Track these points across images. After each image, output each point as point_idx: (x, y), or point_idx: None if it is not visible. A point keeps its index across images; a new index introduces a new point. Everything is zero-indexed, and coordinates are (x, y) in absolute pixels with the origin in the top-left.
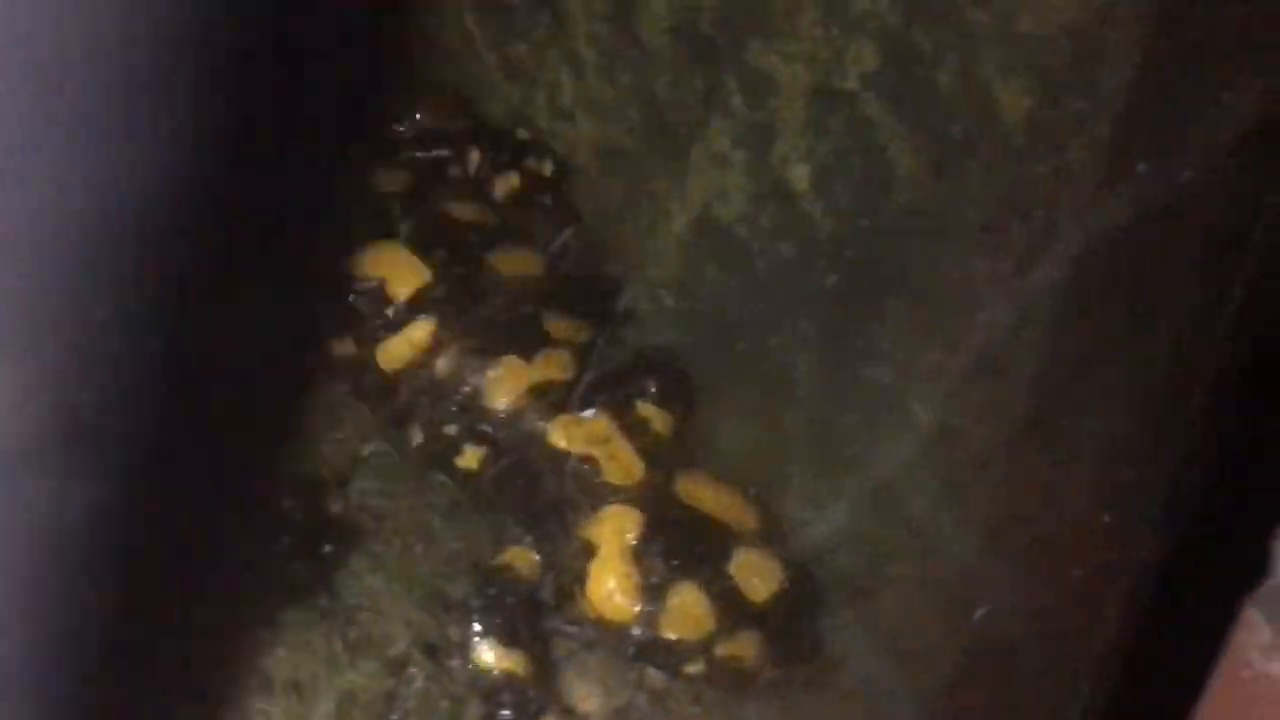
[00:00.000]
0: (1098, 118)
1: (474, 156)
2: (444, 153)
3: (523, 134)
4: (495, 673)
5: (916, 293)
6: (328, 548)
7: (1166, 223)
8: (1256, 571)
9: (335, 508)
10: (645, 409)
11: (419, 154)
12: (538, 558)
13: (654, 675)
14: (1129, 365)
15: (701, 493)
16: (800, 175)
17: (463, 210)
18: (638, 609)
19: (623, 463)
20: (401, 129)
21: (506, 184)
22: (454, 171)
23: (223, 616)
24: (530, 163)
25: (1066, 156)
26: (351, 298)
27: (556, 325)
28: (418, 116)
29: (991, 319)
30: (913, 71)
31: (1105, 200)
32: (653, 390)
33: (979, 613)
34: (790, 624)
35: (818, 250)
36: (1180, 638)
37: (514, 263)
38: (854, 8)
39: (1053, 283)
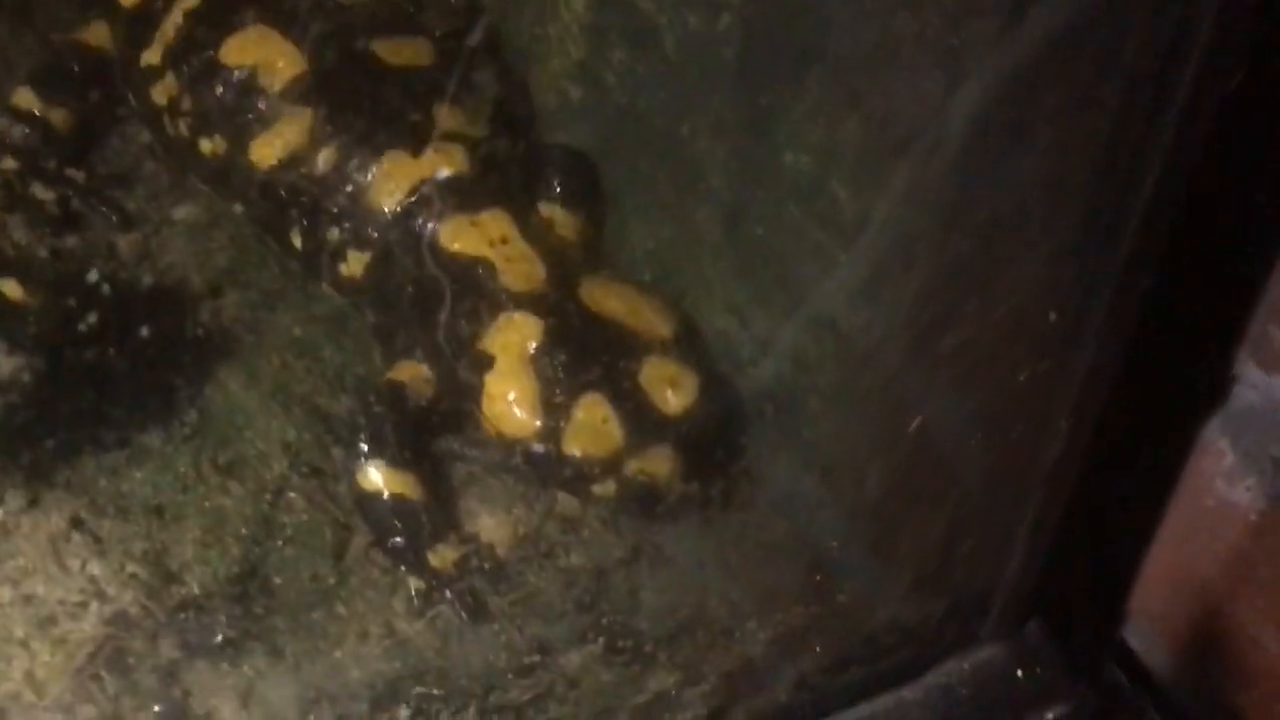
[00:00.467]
0: None
1: None
2: None
3: None
4: (385, 496)
5: (837, 62)
6: (187, 359)
7: None
8: (1219, 390)
9: (203, 319)
10: (548, 209)
11: None
12: (430, 373)
13: (564, 501)
14: (1073, 145)
15: (609, 298)
16: None
17: None
18: (539, 424)
19: (521, 266)
20: None
21: None
22: None
23: (72, 434)
24: None
25: None
26: (219, 89)
27: (448, 118)
28: None
29: (919, 87)
30: None
31: None
32: (557, 188)
33: (913, 423)
34: (707, 438)
35: (730, 20)
36: (1134, 460)
37: (401, 50)
38: None
39: (987, 40)
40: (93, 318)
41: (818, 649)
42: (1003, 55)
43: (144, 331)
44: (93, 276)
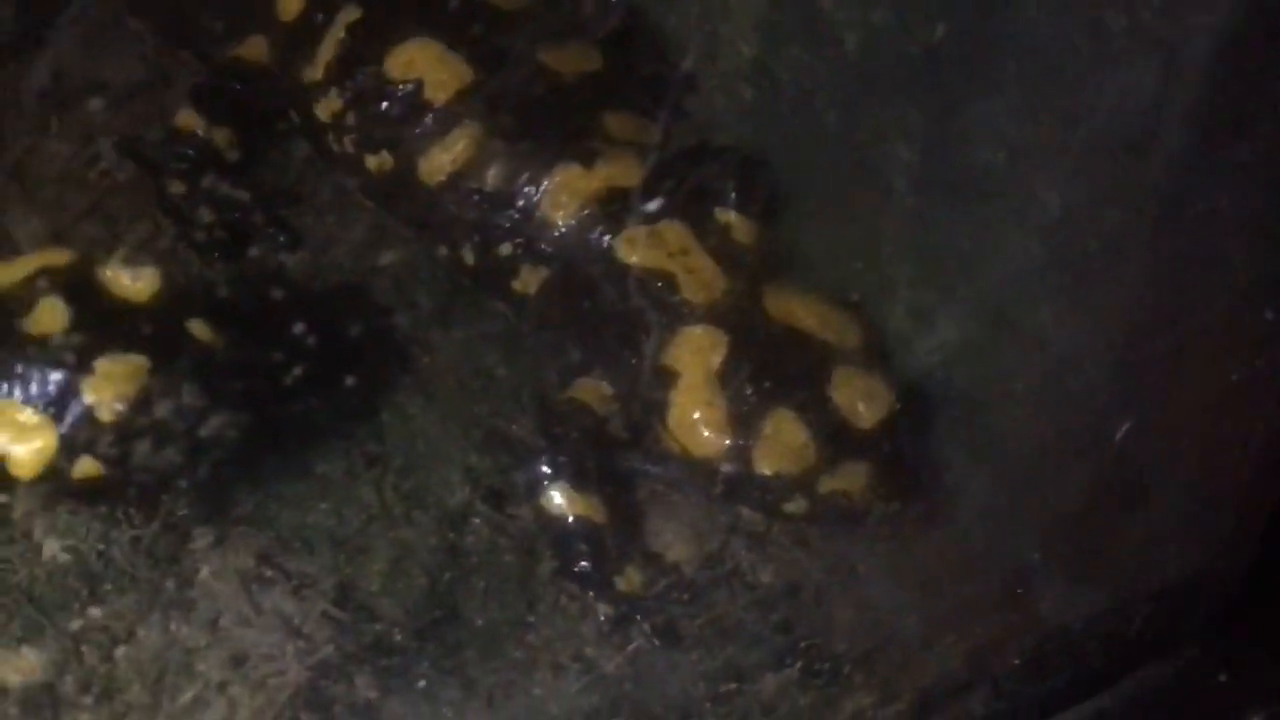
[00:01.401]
0: None
1: None
2: None
3: None
4: (568, 519)
5: (1035, 55)
6: (364, 381)
7: None
8: None
9: (376, 339)
10: (724, 215)
11: None
12: (610, 390)
13: (750, 516)
14: None
15: (794, 307)
16: None
17: (509, 2)
18: (727, 442)
19: (702, 276)
20: None
21: None
22: None
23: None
24: None
25: None
26: (384, 104)
27: (619, 125)
28: None
29: (1130, 81)
30: None
31: None
32: (732, 194)
33: (1120, 429)
34: (901, 453)
35: (918, 15)
36: None
37: (567, 57)
38: None
39: (1202, 28)
40: (298, 370)
41: (1015, 660)
42: (1219, 51)
43: (349, 381)
44: (298, 329)
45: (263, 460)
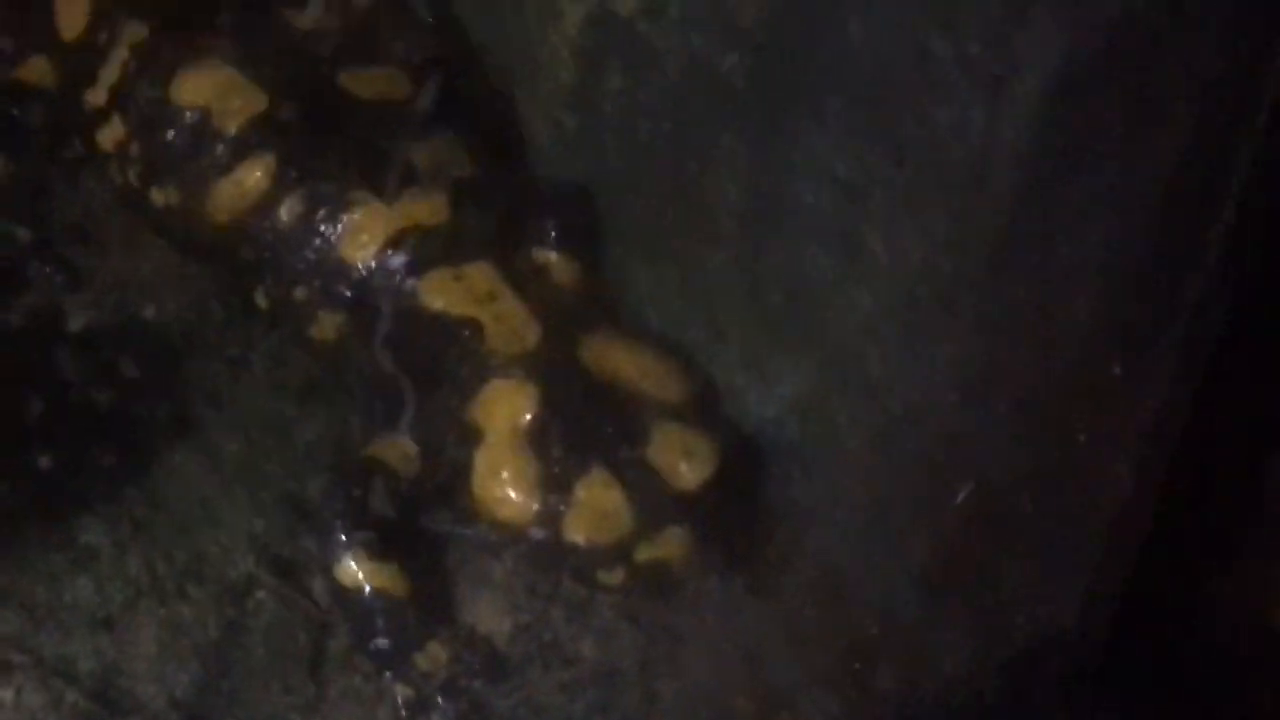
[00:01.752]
0: None
1: None
2: None
3: None
4: (365, 592)
5: (861, 85)
6: (138, 440)
7: None
8: None
9: (158, 392)
10: (543, 254)
11: None
12: (414, 448)
13: (571, 583)
14: (1134, 167)
15: (613, 357)
16: None
17: (303, 19)
18: (535, 507)
19: (512, 325)
20: None
21: None
22: None
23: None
24: None
25: None
26: (170, 133)
27: (425, 158)
28: None
29: (958, 115)
30: None
31: None
32: (553, 231)
33: (960, 493)
34: (728, 515)
35: (737, 38)
36: (1207, 512)
37: (371, 82)
38: None
39: (1034, 62)
40: (40, 405)
41: None
42: (1052, 82)
43: (119, 438)
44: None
45: (17, 529)
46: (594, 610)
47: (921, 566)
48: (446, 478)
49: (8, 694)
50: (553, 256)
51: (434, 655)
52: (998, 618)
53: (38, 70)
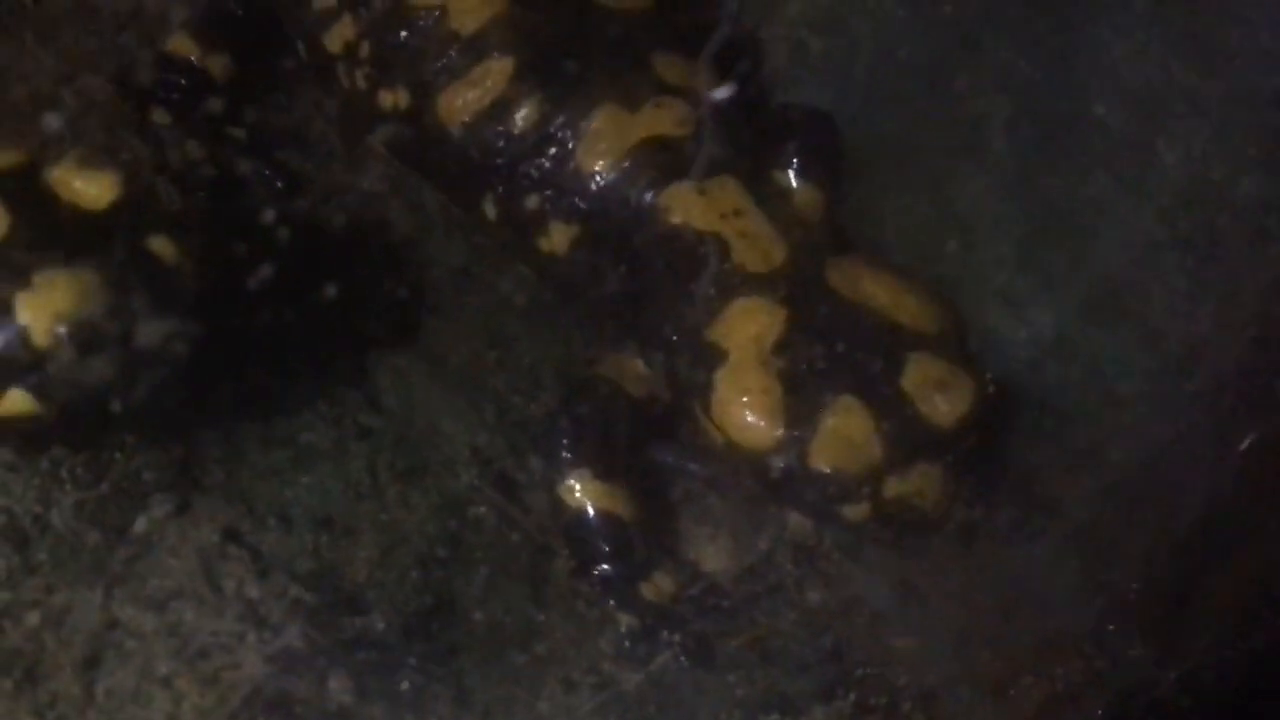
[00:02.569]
0: None
1: None
2: None
3: None
4: (590, 514)
5: None
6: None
7: None
8: None
9: (379, 302)
10: (784, 179)
11: None
12: (645, 368)
13: (799, 525)
14: None
15: (864, 282)
16: None
17: None
18: (779, 433)
19: (758, 242)
20: None
21: None
22: None
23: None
24: None
25: None
26: (403, 34)
27: (670, 69)
28: None
29: None
30: None
31: None
32: (795, 157)
33: (1245, 440)
34: (985, 455)
35: None
36: None
37: None
38: None
39: None
40: (267, 270)
41: (1099, 711)
42: None
43: (331, 292)
44: (269, 216)
45: (237, 425)
46: (823, 554)
47: (1189, 528)
48: (679, 402)
49: (229, 584)
50: (795, 182)
51: (660, 586)
52: (1261, 593)
53: None
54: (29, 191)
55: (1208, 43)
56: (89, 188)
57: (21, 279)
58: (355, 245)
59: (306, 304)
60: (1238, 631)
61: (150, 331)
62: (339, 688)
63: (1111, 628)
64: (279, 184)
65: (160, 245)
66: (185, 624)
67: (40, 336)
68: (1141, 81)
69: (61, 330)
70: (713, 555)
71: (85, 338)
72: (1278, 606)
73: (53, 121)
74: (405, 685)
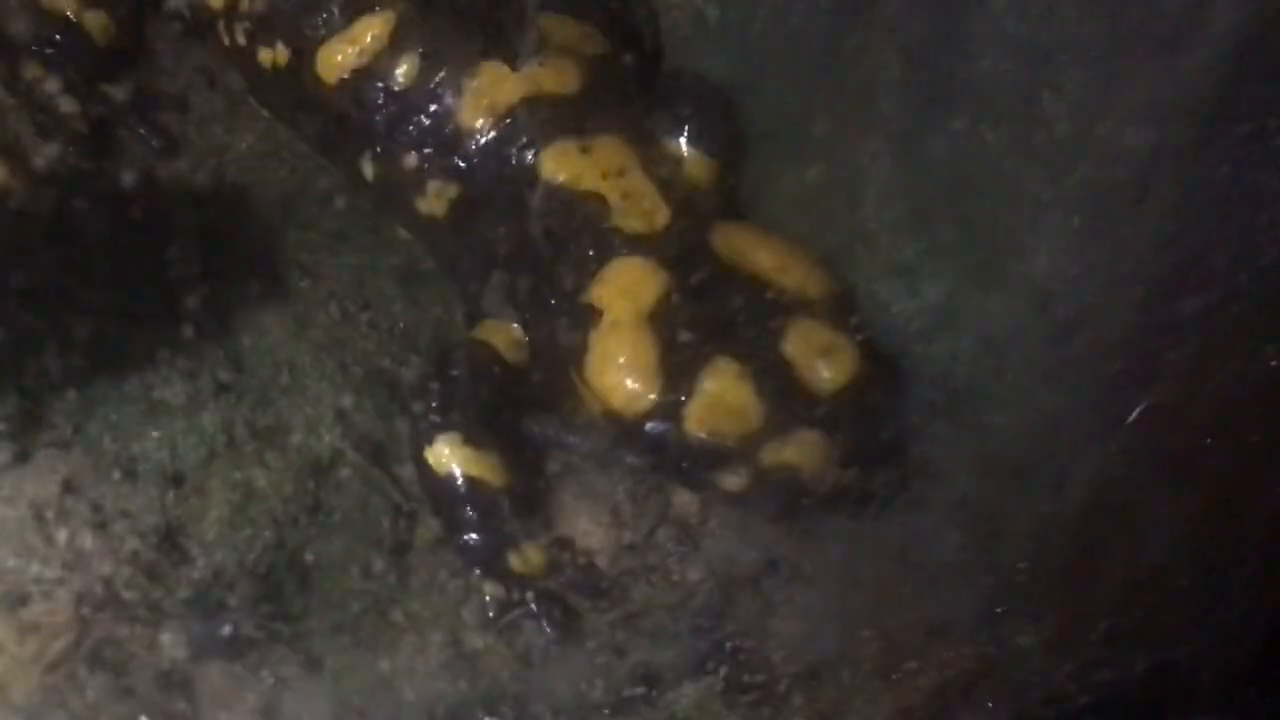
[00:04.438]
0: None
1: None
2: None
3: None
4: (458, 480)
5: None
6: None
7: None
8: None
9: (251, 256)
10: (676, 148)
11: None
12: (521, 333)
13: (681, 501)
14: None
15: (748, 247)
16: None
17: None
18: (653, 396)
19: (641, 202)
20: None
21: None
22: None
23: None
24: None
25: None
26: None
27: (557, 29)
28: None
29: None
30: None
31: None
32: (687, 126)
33: (1134, 410)
34: (865, 422)
35: None
36: None
37: None
38: None
39: None
40: (96, 218)
41: (989, 704)
42: None
43: (171, 252)
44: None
45: (87, 376)
46: (706, 532)
47: (1079, 505)
48: (555, 366)
49: (62, 535)
50: (686, 150)
51: (529, 557)
52: (1157, 580)
53: None
54: None
55: None
56: None
57: None
58: (228, 205)
59: (167, 261)
60: (1138, 627)
61: None
62: (171, 642)
63: (999, 610)
64: (155, 144)
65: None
66: (8, 572)
67: None
68: (1026, 31)
69: None
70: (591, 531)
71: None
72: (1178, 598)
73: None
74: (249, 650)
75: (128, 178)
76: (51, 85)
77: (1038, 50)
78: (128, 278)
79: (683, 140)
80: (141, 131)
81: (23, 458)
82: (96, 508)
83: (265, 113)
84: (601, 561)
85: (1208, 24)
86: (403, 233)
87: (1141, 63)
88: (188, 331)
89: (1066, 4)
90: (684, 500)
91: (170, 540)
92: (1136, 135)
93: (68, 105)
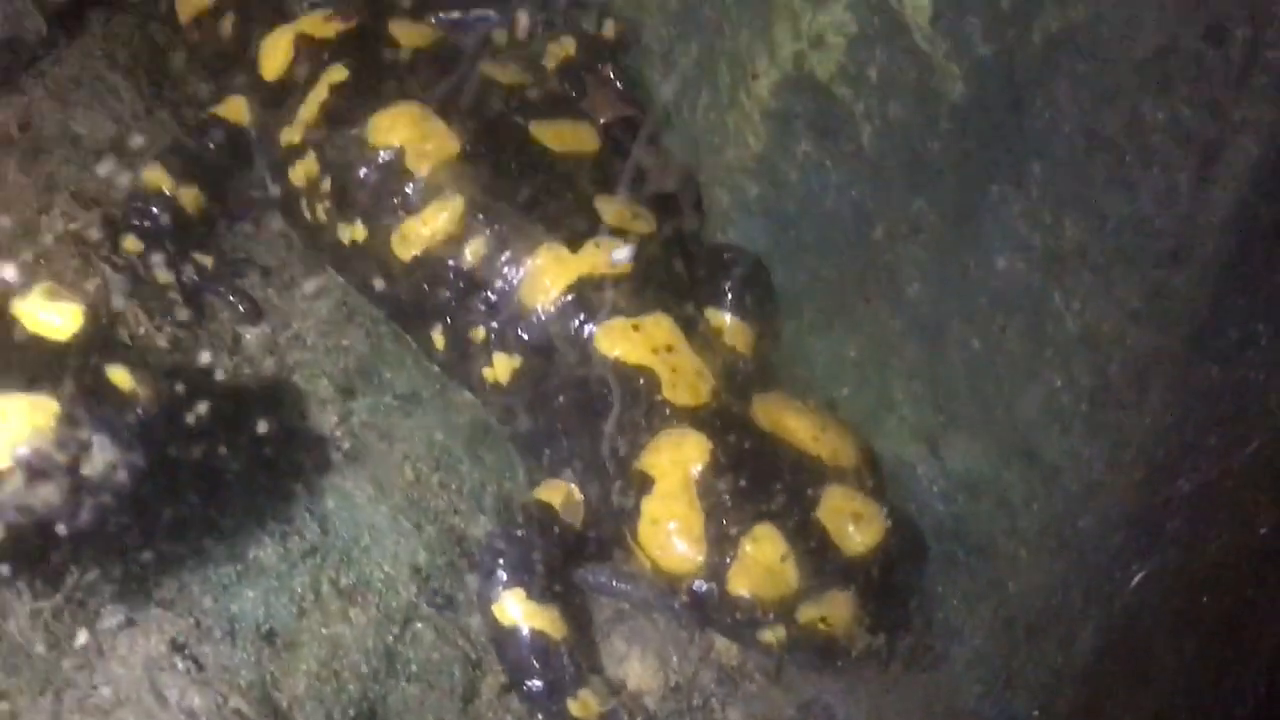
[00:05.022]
0: None
1: (523, 20)
2: (488, 14)
3: None
4: (523, 632)
5: (1066, 152)
6: (310, 466)
7: None
8: None
9: (331, 422)
10: (718, 316)
11: (459, 14)
12: (580, 494)
13: (723, 647)
14: None
15: (786, 418)
16: (919, 5)
17: (503, 73)
18: (701, 558)
19: (687, 377)
20: None
21: (560, 50)
22: (499, 36)
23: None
24: (589, 26)
25: None
26: (363, 171)
27: (611, 211)
28: None
29: (1165, 183)
30: None
31: None
32: (729, 295)
33: (1135, 576)
34: (893, 584)
35: (939, 106)
36: None
37: (563, 136)
38: None
39: (1251, 128)
40: (202, 407)
41: None
42: (1272, 140)
43: (261, 428)
44: (205, 358)
45: (189, 539)
46: (745, 674)
47: (1086, 660)
48: (610, 527)
49: (173, 694)
50: (727, 319)
51: (586, 702)
52: None
53: (236, 109)
54: None
55: (1095, 206)
56: (54, 318)
57: None
58: (309, 371)
59: (259, 433)
60: None
61: (97, 461)
62: None
63: None
64: (242, 309)
65: (119, 376)
66: None
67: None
68: (1038, 238)
69: (22, 452)
70: (639, 675)
71: (36, 465)
72: None
73: (26, 253)
74: None
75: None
76: (152, 258)
77: (1048, 254)
78: (223, 449)
79: (725, 309)
80: (230, 297)
81: (133, 620)
82: (200, 666)
83: (342, 280)
84: (650, 702)
85: (1197, 245)
86: (469, 396)
87: (1141, 273)
88: (279, 497)
89: (1072, 219)
90: (725, 645)
91: (266, 695)
92: (1138, 335)
93: (165, 275)
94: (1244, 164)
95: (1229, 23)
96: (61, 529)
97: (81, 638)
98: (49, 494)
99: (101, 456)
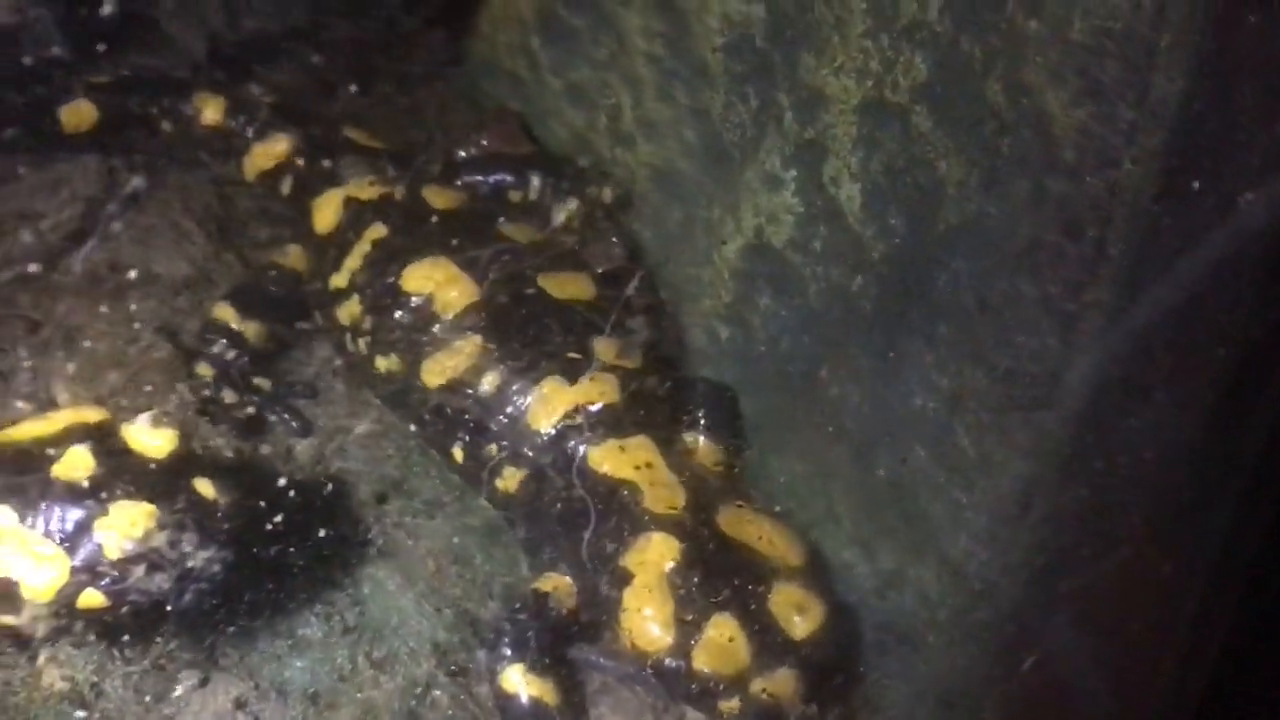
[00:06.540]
0: (1150, 130)
1: (535, 182)
2: (506, 177)
3: (584, 161)
4: (523, 699)
5: (964, 314)
6: (353, 560)
7: (1226, 245)
8: None
9: (369, 523)
10: (692, 438)
11: (481, 178)
12: (573, 585)
13: (692, 714)
14: (1181, 402)
15: (744, 526)
16: (851, 195)
17: (517, 231)
18: (670, 640)
19: (664, 490)
20: (465, 154)
21: (566, 210)
22: (515, 196)
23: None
24: (591, 190)
25: (1118, 171)
26: (398, 313)
27: (604, 349)
28: (483, 142)
29: (1038, 344)
30: (963, 82)
31: (1158, 220)
32: (702, 421)
33: (1026, 662)
34: (829, 664)
35: (869, 273)
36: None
37: (565, 285)
38: (903, 16)
39: (1101, 306)
40: (279, 518)
41: None
42: (1115, 322)
43: (320, 532)
44: (281, 482)
45: (252, 618)
46: None
47: None
48: (597, 612)
49: None
50: (700, 441)
51: None
52: None
53: (293, 256)
54: (108, 441)
55: (987, 360)
56: (155, 440)
57: (101, 509)
58: (350, 480)
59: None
60: None
61: (198, 557)
62: None
63: None
64: (294, 425)
65: (204, 486)
66: None
67: (113, 551)
68: (945, 382)
69: (128, 546)
70: None
71: (153, 561)
72: None
73: (115, 377)
74: None
75: (298, 444)
76: (220, 382)
77: (953, 395)
78: (292, 549)
79: (698, 432)
80: (285, 416)
81: (205, 681)
82: None
83: (378, 401)
84: None
85: (1064, 394)
86: (483, 502)
87: (1023, 414)
88: (325, 584)
89: (970, 369)
90: (693, 713)
91: None
92: (1022, 463)
93: (230, 397)
94: (1095, 332)
95: (1083, 223)
96: (169, 607)
97: (165, 695)
98: (162, 581)
99: (200, 553)
